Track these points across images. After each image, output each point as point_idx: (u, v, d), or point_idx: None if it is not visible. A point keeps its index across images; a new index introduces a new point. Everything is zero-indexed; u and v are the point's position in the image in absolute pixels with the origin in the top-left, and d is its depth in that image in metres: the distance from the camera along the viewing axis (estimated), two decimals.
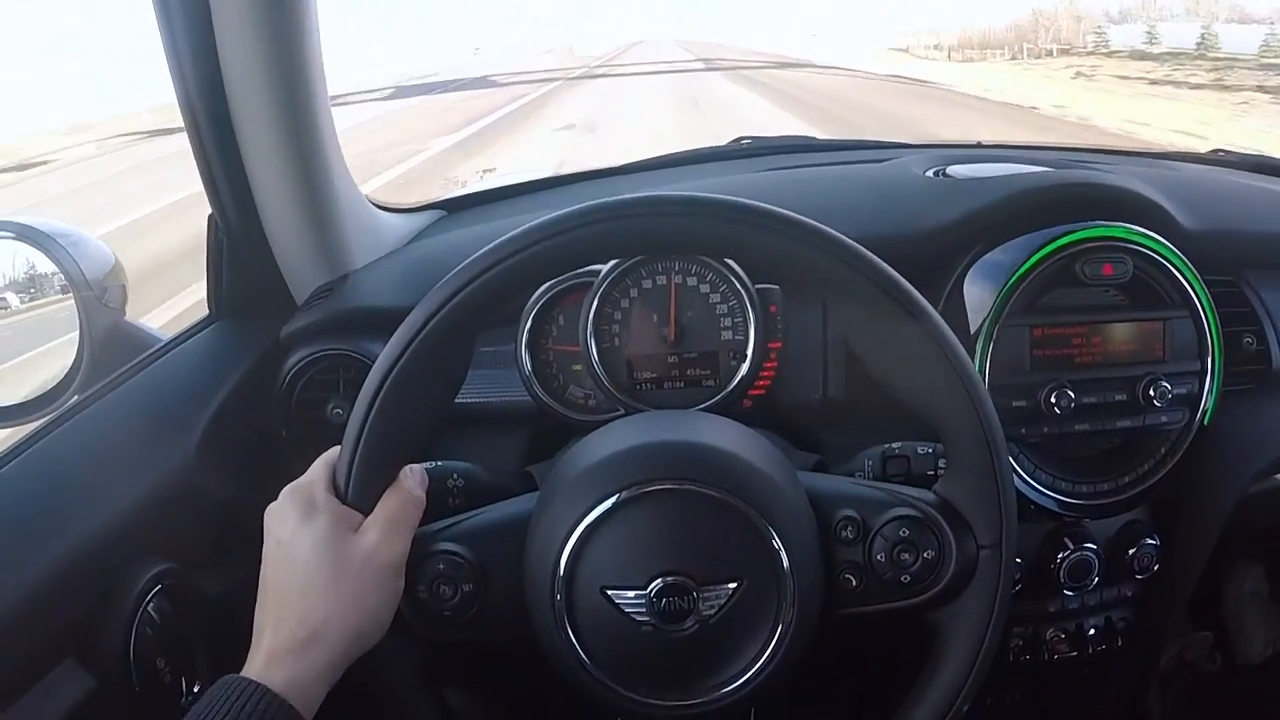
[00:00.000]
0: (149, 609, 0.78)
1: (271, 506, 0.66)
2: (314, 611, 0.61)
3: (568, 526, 0.63)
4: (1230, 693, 1.25)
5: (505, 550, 0.67)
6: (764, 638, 0.63)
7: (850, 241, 0.63)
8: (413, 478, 0.67)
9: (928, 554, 0.65)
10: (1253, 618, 1.23)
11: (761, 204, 0.62)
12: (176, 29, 0.85)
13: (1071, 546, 1.00)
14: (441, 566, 0.66)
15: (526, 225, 0.62)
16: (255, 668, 0.60)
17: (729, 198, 0.62)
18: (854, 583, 0.66)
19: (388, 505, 0.65)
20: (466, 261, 0.62)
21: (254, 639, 0.62)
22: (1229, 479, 1.07)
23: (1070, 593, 1.02)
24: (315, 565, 0.62)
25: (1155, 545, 1.04)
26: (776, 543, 0.63)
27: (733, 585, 0.62)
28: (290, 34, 0.87)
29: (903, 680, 0.69)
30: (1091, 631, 1.07)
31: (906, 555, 0.65)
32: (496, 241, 0.62)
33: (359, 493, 0.64)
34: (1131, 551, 1.03)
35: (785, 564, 0.62)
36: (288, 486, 0.67)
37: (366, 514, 0.64)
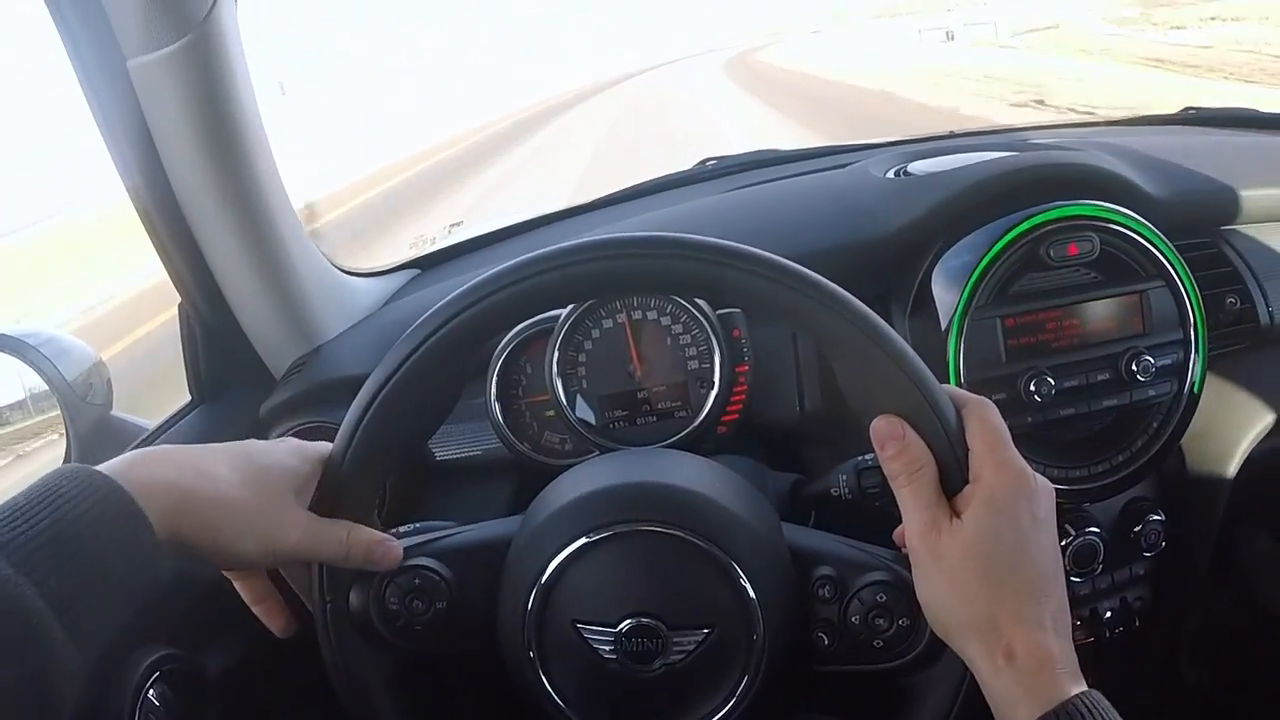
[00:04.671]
0: (150, 696, 0.78)
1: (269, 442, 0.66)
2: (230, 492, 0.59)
3: (547, 555, 0.63)
4: (1262, 650, 1.22)
5: (483, 570, 0.67)
6: (729, 687, 0.63)
7: (816, 276, 0.60)
8: (384, 548, 0.64)
9: (902, 622, 0.63)
10: (1272, 573, 1.20)
11: (704, 239, 0.61)
12: (112, 120, 0.86)
13: (1073, 533, 0.98)
14: (417, 581, 0.66)
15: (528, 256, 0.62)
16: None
17: (667, 235, 0.61)
18: (826, 642, 0.65)
19: (353, 539, 0.63)
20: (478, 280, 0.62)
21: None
22: (1230, 443, 1.06)
23: (1078, 579, 1.00)
24: (259, 477, 0.61)
25: (1161, 520, 1.02)
26: (751, 594, 0.62)
27: (704, 632, 0.62)
28: (224, 118, 0.87)
29: None
30: (1108, 615, 1.05)
31: (881, 620, 0.64)
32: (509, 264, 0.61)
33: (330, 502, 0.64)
34: (1137, 529, 1.02)
35: (758, 616, 0.62)
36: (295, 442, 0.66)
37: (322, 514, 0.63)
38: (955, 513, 0.58)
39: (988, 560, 0.56)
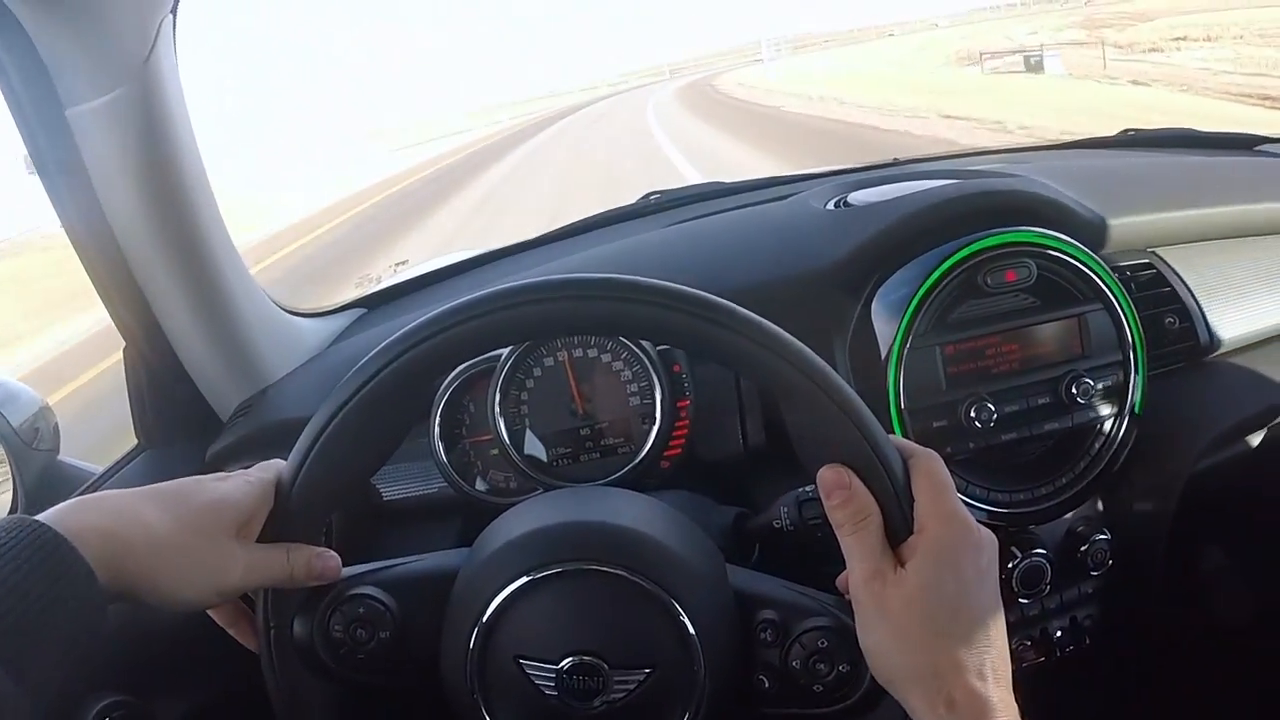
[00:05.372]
0: None
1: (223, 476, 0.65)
2: (161, 536, 0.58)
3: (490, 591, 0.63)
4: (1214, 665, 1.24)
5: (428, 602, 0.67)
6: None
7: (761, 321, 0.60)
8: (323, 560, 0.65)
9: (843, 667, 0.64)
10: (1225, 589, 1.22)
11: (651, 282, 0.60)
12: (50, 168, 0.87)
13: (1020, 555, 0.99)
14: (362, 610, 0.66)
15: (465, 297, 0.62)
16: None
17: (611, 277, 0.61)
18: (767, 685, 0.65)
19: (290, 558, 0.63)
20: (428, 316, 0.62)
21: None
22: (1173, 461, 1.06)
23: (1026, 600, 1.01)
24: (193, 519, 0.60)
25: (1107, 539, 1.03)
26: (692, 633, 0.62)
27: (645, 671, 0.62)
28: (164, 162, 0.87)
29: None
30: (1058, 634, 1.06)
31: (822, 665, 0.64)
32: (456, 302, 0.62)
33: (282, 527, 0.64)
34: (1084, 549, 1.02)
35: (699, 656, 0.62)
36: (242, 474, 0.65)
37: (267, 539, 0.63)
38: (899, 562, 0.59)
39: (930, 610, 0.57)
